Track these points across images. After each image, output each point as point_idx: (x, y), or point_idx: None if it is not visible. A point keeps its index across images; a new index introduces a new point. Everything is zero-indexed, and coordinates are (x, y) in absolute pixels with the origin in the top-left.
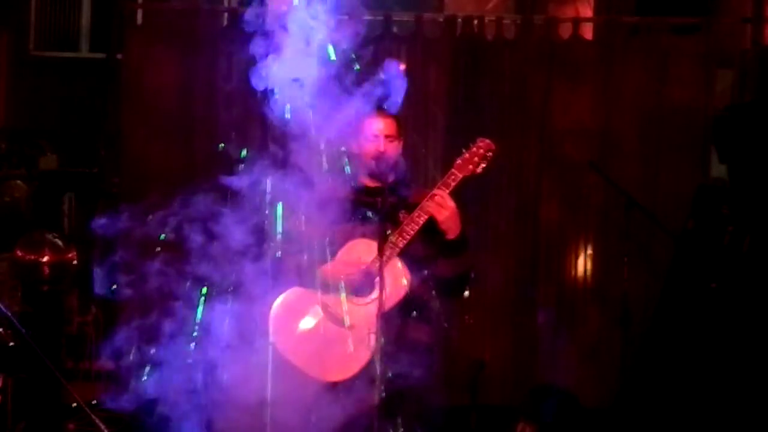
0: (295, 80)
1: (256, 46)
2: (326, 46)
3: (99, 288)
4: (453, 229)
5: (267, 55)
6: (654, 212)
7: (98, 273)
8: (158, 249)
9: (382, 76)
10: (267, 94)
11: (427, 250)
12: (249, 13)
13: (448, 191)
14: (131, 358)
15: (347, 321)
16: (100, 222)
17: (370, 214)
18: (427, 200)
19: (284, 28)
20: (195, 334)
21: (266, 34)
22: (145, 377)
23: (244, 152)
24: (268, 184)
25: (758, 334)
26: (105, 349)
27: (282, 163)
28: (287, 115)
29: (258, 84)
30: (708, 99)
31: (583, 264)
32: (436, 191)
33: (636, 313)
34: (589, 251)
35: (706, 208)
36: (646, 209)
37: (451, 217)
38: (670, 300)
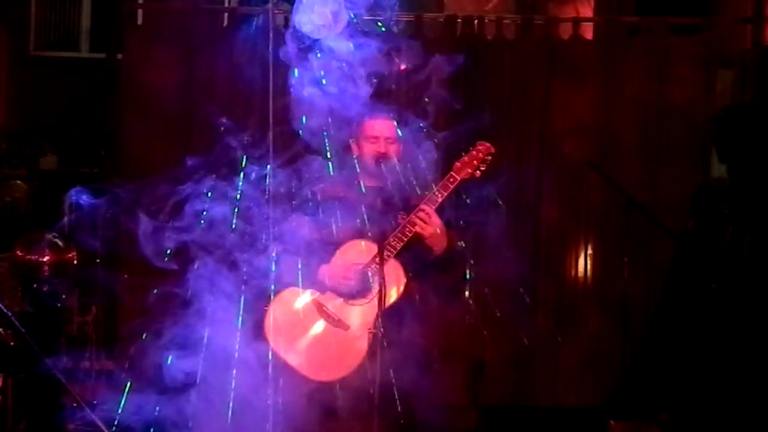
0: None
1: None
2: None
3: None
4: (439, 246)
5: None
6: (654, 212)
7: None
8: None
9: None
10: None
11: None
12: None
13: (446, 194)
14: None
15: (343, 321)
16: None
17: (369, 214)
18: (415, 214)
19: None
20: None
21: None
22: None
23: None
24: (270, 182)
25: (758, 334)
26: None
27: (283, 162)
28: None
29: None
30: (708, 99)
31: (583, 264)
32: (422, 207)
33: (636, 313)
34: (589, 251)
35: (706, 208)
36: (646, 209)
37: (435, 234)
38: (670, 300)
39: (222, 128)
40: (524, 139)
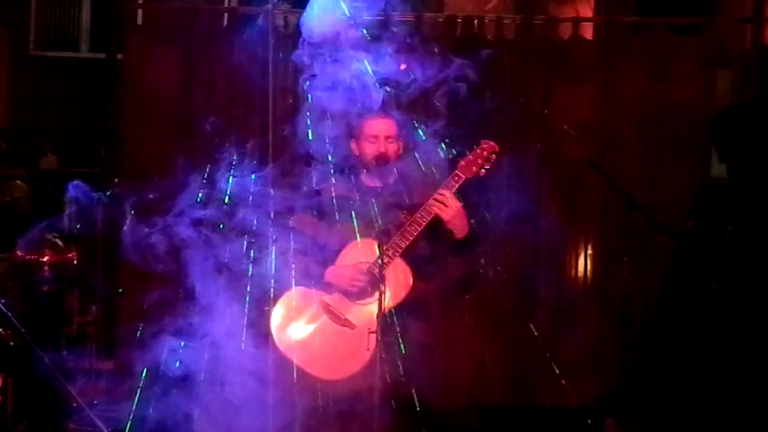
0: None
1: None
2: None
3: None
4: (460, 229)
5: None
6: (654, 212)
7: None
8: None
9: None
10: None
11: (432, 250)
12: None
13: (451, 192)
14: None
15: (350, 321)
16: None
17: (371, 214)
18: (431, 201)
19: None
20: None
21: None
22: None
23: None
24: (269, 184)
25: (758, 335)
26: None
27: (283, 164)
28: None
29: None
30: (708, 99)
31: (583, 264)
32: (440, 191)
33: (636, 313)
34: (589, 251)
35: (706, 208)
36: (646, 209)
37: (457, 216)
38: (670, 300)
39: (210, 128)
40: (524, 139)
